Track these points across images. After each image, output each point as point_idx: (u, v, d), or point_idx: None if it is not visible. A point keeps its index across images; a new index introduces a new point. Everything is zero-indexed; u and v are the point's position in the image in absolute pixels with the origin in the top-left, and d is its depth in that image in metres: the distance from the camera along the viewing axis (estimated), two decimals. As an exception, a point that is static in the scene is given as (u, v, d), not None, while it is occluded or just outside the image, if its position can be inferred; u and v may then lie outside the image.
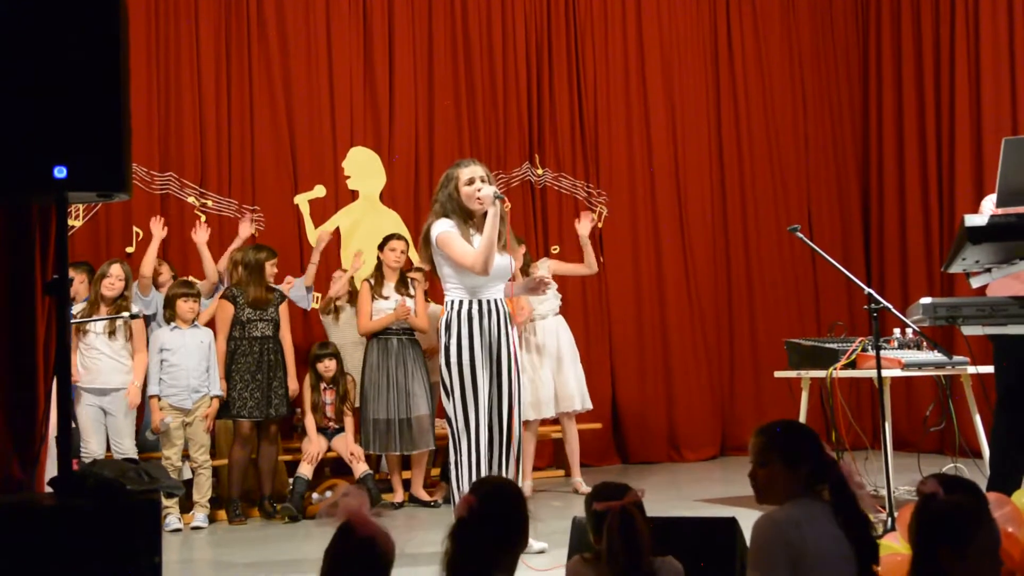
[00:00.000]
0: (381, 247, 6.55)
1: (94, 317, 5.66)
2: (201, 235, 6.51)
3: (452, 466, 4.47)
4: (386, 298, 6.39)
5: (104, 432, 5.73)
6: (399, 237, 6.60)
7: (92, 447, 5.64)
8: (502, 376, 4.50)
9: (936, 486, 2.34)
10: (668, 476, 7.29)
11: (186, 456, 6.00)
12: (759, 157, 8.74)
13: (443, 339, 4.50)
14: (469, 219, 4.55)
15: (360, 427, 6.38)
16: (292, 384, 6.26)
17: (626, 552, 2.47)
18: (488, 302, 4.51)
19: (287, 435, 6.71)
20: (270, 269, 6.28)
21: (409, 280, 6.51)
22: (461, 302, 4.50)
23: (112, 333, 5.79)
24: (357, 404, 6.48)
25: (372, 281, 6.47)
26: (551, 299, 6.59)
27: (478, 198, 4.50)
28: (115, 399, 5.78)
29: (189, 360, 5.96)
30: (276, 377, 6.17)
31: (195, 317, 6.07)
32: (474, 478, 4.35)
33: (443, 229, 4.50)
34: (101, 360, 5.76)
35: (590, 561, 2.62)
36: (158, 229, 6.37)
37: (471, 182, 4.51)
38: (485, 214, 4.48)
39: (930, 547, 2.32)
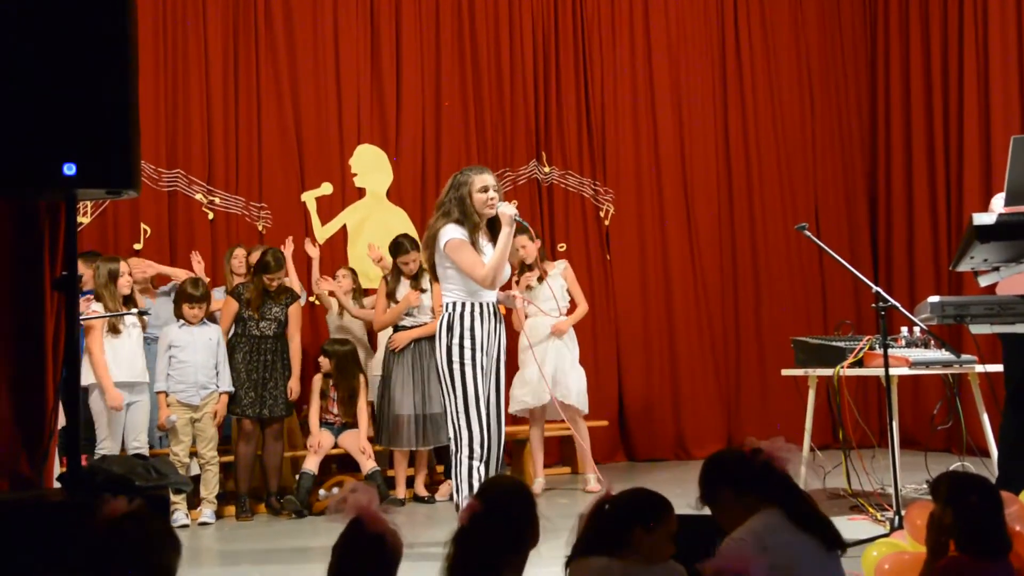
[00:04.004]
0: (394, 254, 6.42)
1: (102, 314, 5.65)
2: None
3: (454, 464, 4.49)
4: (397, 301, 6.38)
5: (122, 428, 5.74)
6: (411, 248, 6.35)
7: (108, 443, 5.64)
8: (499, 378, 4.63)
9: None
10: (675, 474, 7.28)
11: (194, 452, 6.00)
12: (766, 155, 8.72)
13: (444, 339, 4.51)
14: (476, 226, 4.58)
15: (377, 422, 6.38)
16: (293, 385, 6.19)
17: None
18: (487, 304, 4.57)
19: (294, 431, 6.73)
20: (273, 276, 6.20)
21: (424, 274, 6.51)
22: (464, 304, 4.53)
23: (130, 329, 5.82)
24: (369, 400, 6.49)
25: (389, 279, 6.46)
26: (550, 299, 6.56)
27: (489, 204, 4.55)
28: (139, 392, 5.80)
29: (197, 357, 5.97)
30: (272, 378, 6.13)
31: (202, 318, 6.06)
32: (476, 476, 4.40)
33: (453, 236, 4.52)
34: (132, 355, 5.79)
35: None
36: (198, 266, 6.68)
37: (485, 190, 4.56)
38: (490, 221, 4.60)
39: None
